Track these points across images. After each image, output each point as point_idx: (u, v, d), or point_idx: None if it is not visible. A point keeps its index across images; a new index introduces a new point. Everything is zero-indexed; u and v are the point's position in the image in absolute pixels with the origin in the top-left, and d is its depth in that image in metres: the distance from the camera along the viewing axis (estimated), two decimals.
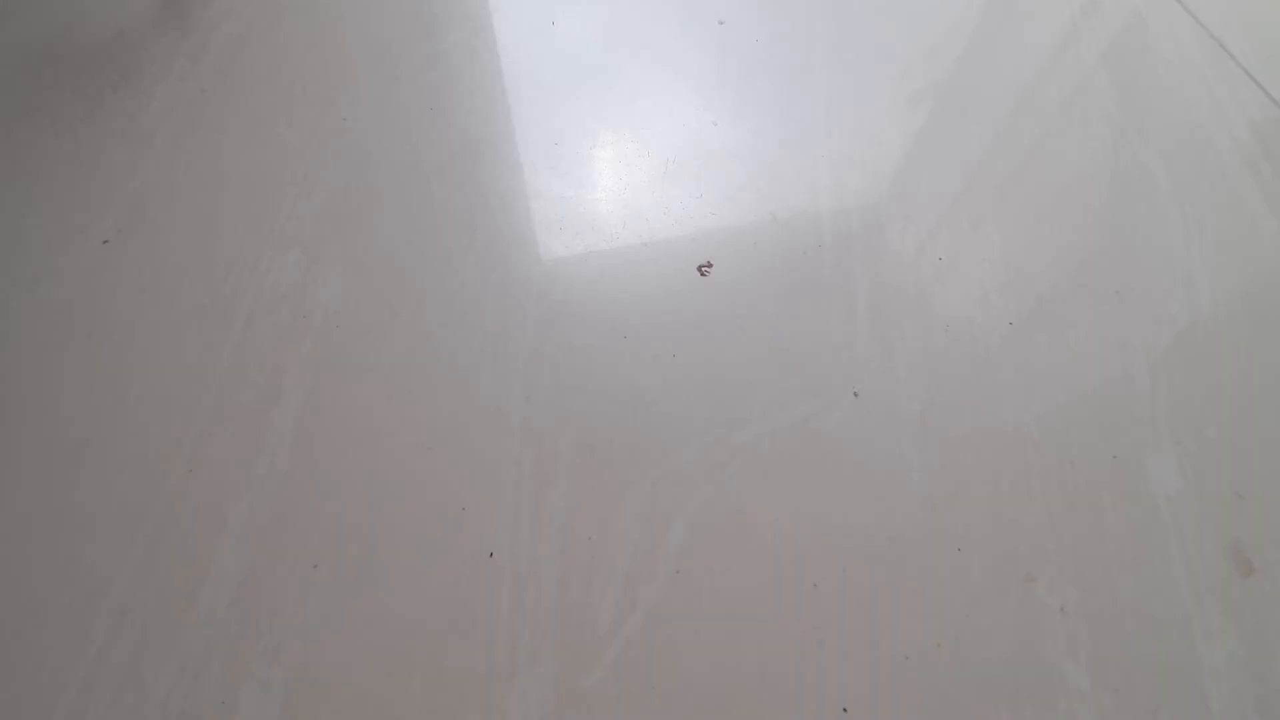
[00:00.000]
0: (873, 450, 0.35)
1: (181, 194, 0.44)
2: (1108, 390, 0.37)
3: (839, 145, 0.46)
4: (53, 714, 0.30)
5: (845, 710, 0.30)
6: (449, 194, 0.44)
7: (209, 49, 0.49)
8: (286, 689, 0.30)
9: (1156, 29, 0.51)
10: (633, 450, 0.35)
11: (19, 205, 0.43)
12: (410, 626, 0.31)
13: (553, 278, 0.41)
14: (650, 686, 0.30)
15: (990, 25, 0.52)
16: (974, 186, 0.44)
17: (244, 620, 0.32)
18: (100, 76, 0.48)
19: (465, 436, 0.36)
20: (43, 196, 0.44)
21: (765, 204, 0.43)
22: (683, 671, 0.31)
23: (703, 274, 0.41)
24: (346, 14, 0.51)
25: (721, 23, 0.51)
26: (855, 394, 0.37)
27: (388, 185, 0.45)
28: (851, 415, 0.36)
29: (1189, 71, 0.49)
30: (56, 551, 0.33)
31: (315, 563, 0.33)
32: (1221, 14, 0.52)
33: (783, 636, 0.31)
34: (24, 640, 0.31)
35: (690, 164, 0.45)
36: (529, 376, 0.37)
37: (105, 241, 0.42)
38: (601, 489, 0.34)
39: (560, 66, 0.50)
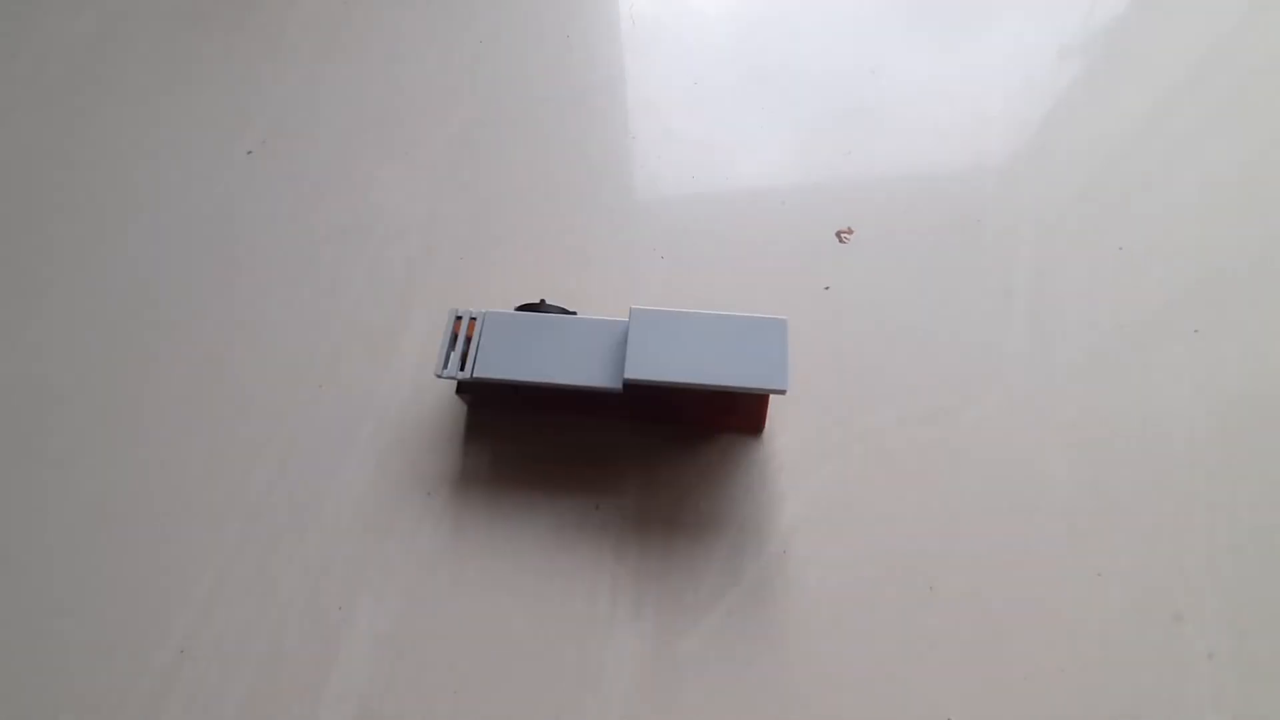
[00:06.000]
0: (1012, 455, 0.33)
1: (322, 109, 0.44)
2: None
3: (1016, 105, 0.41)
4: (191, 599, 0.32)
5: None
6: (581, 130, 0.43)
7: None
8: (400, 605, 0.32)
9: None
10: None
11: (173, 109, 0.45)
12: (514, 563, 0.32)
13: (678, 233, 0.39)
14: (747, 661, 0.30)
15: None
16: (1175, 165, 0.38)
17: (363, 536, 0.33)
18: None
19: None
20: (194, 102, 0.45)
21: (921, 167, 0.39)
22: (780, 652, 0.30)
23: (842, 241, 0.38)
24: None
25: None
26: (1000, 391, 0.34)
27: (520, 115, 0.43)
28: (993, 414, 0.33)
29: None
30: (199, 454, 0.35)
31: (429, 490, 0.34)
32: None
33: (891, 634, 0.30)
34: (168, 534, 0.34)
35: (841, 116, 0.42)
36: None
37: (249, 152, 0.43)
38: (712, 458, 0.33)
39: None
